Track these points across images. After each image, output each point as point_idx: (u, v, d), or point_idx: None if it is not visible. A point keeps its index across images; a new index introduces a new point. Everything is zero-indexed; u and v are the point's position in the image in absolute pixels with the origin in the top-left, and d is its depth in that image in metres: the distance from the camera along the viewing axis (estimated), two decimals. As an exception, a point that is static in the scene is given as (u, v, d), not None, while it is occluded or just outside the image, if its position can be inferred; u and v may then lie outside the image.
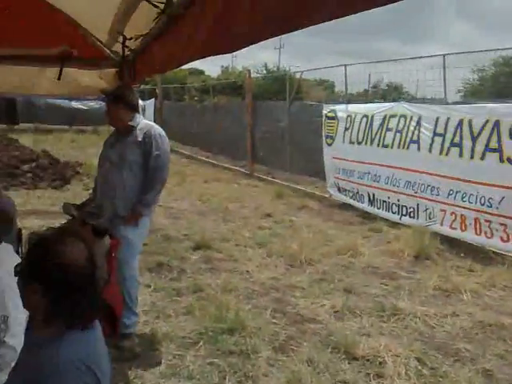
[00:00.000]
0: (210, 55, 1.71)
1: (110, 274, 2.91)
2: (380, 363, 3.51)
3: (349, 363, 3.54)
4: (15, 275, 1.59)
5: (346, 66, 9.42)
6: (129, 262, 3.48)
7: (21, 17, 3.40)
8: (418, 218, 7.06)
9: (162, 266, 5.36)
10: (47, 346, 1.49)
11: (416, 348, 3.72)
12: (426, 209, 6.89)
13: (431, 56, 7.97)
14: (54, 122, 20.83)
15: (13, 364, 1.82)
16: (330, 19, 1.10)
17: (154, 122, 4.24)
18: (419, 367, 3.49)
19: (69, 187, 9.77)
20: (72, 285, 1.51)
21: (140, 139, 3.49)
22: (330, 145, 9.29)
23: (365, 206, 8.24)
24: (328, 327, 4.08)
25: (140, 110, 3.73)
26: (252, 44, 1.48)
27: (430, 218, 6.83)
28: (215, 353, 3.57)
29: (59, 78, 3.93)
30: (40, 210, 7.70)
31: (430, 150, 6.85)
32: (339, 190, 9.00)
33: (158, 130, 3.61)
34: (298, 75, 13.11)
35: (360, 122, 8.41)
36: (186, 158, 15.23)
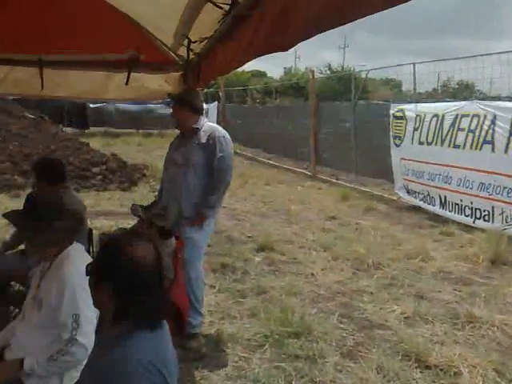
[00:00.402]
0: (269, 53, 1.72)
1: (175, 275, 2.97)
2: (455, 373, 3.36)
3: (421, 372, 3.42)
4: (86, 274, 1.66)
5: (414, 64, 9.15)
6: (194, 262, 3.55)
7: (90, 23, 3.56)
8: (493, 221, 6.72)
9: (226, 267, 5.42)
10: (116, 346, 1.54)
11: (494, 359, 3.53)
12: (503, 212, 6.54)
13: (507, 52, 7.54)
14: (122, 125, 21.72)
15: (84, 362, 1.90)
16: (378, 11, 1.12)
17: (217, 124, 4.29)
18: (498, 379, 3.31)
19: (136, 189, 10.13)
20: (142, 283, 1.57)
21: (204, 141, 3.55)
22: (398, 145, 9.04)
23: (436, 208, 7.95)
24: (398, 334, 3.96)
25: (204, 112, 3.79)
26: (307, 39, 1.49)
27: (506, 222, 6.48)
28: (281, 356, 3.56)
29: (127, 83, 4.09)
30: (109, 211, 8.03)
31: (505, 151, 6.51)
32: (408, 191, 8.74)
33: (221, 132, 3.65)
34: (363, 74, 12.89)
35: (430, 122, 8.13)
36: (248, 159, 15.37)
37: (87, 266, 1.67)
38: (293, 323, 3.95)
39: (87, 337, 2.16)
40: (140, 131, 22.29)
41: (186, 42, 2.86)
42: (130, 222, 7.22)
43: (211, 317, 4.15)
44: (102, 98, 4.88)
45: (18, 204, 8.10)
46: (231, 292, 4.73)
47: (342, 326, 4.11)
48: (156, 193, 9.17)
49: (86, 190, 9.53)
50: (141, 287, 1.57)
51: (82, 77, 4.27)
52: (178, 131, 3.85)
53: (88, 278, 1.67)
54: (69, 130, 17.03)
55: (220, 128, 3.73)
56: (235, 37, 2.17)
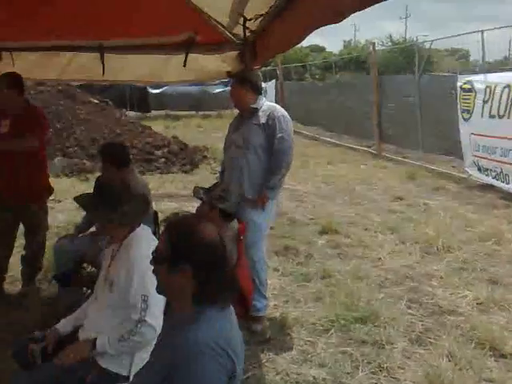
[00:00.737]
0: (328, 23, 1.64)
1: (238, 258, 2.98)
2: (534, 363, 3.20)
3: (495, 361, 3.28)
4: (155, 262, 1.68)
5: (482, 31, 8.61)
6: (257, 244, 3.55)
7: (147, 7, 3.58)
8: None
9: (289, 249, 5.40)
10: (183, 329, 1.57)
11: None
12: None
13: None
14: (182, 108, 22.08)
15: (153, 343, 1.94)
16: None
17: (276, 103, 4.23)
18: None
19: (197, 171, 10.30)
20: (215, 262, 1.63)
21: (263, 121, 3.51)
22: (466, 120, 8.60)
23: (510, 187, 7.52)
24: (470, 320, 3.80)
25: (263, 92, 3.74)
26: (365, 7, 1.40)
27: None
28: (347, 341, 3.52)
29: (185, 65, 4.11)
30: (172, 193, 8.22)
31: None
32: (479, 169, 8.32)
33: (280, 111, 3.59)
34: (427, 45, 12.32)
35: (501, 93, 7.63)
36: (308, 139, 15.19)
37: (153, 252, 1.69)
38: (359, 308, 3.88)
39: (156, 318, 2.22)
40: (199, 113, 22.58)
41: (241, 20, 2.82)
42: (193, 205, 7.35)
43: (275, 300, 4.16)
44: (161, 80, 4.97)
45: (87, 187, 8.49)
46: (295, 275, 4.71)
47: (410, 311, 4.00)
48: (217, 174, 9.30)
49: (150, 173, 9.79)
50: (215, 266, 1.63)
51: (141, 61, 4.37)
52: (236, 111, 3.83)
53: (154, 264, 1.69)
54: (131, 113, 17.56)
55: (279, 107, 3.67)
56: (291, 12, 2.10)
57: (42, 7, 3.62)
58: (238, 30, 3.25)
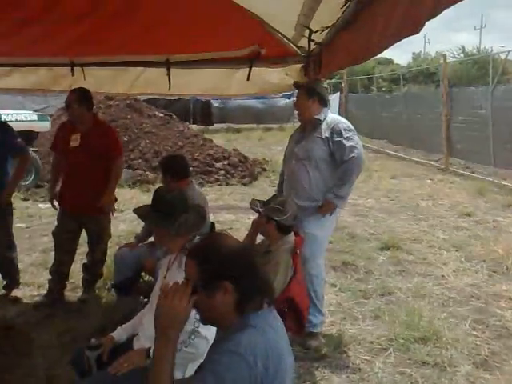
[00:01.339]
0: (405, 37, 1.62)
1: (295, 272, 2.99)
2: None
3: None
4: (192, 293, 1.65)
5: None
6: (315, 259, 3.55)
7: (213, 22, 3.71)
8: None
9: (348, 265, 5.35)
10: (229, 338, 1.59)
11: None
12: None
13: None
14: (243, 121, 22.42)
15: (205, 355, 1.99)
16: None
17: (339, 115, 4.22)
18: None
19: (256, 184, 10.42)
20: (250, 269, 1.67)
21: (327, 135, 3.51)
22: (544, 133, 8.21)
23: None
24: (542, 346, 3.62)
25: (328, 104, 3.75)
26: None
27: None
28: (406, 362, 3.43)
29: (248, 78, 4.20)
30: (231, 205, 8.35)
31: None
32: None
33: (344, 124, 3.57)
34: (502, 56, 11.87)
35: None
36: (373, 152, 14.97)
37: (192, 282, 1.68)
38: (420, 327, 3.78)
39: (208, 329, 2.24)
40: (260, 126, 22.83)
41: (306, 32, 2.86)
42: (249, 217, 7.45)
43: (332, 316, 4.13)
44: (224, 94, 5.08)
45: (148, 198, 8.64)
46: (353, 292, 4.66)
47: (475, 332, 3.86)
48: (276, 187, 9.36)
49: (210, 185, 10.00)
50: (249, 272, 1.66)
51: (205, 74, 4.49)
52: (298, 125, 3.86)
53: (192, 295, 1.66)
54: (194, 126, 17.98)
55: (343, 119, 3.67)
56: (365, 23, 2.09)
57: (112, 24, 3.84)
58: (303, 42, 3.30)
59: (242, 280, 1.63)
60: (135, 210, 2.87)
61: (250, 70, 4.15)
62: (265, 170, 11.46)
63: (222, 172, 10.70)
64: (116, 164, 4.33)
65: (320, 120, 3.56)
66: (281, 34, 3.53)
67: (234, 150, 12.10)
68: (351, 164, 3.47)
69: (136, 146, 11.05)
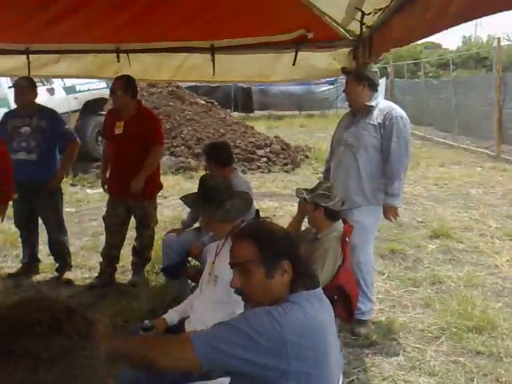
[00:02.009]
0: (467, 21, 1.56)
1: (343, 259, 2.98)
2: None
3: None
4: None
5: None
6: (364, 247, 3.54)
7: (259, 6, 3.70)
8: None
9: (396, 253, 5.30)
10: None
11: None
12: None
13: None
14: (285, 108, 22.32)
15: None
16: None
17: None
18: None
19: (298, 171, 10.38)
20: (299, 249, 1.75)
21: (380, 121, 3.44)
22: None
23: None
24: None
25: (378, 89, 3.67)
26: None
27: None
28: (459, 351, 3.39)
29: (294, 63, 4.18)
30: (273, 192, 8.38)
31: None
32: None
33: (399, 112, 3.49)
34: None
35: None
36: (420, 139, 14.65)
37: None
38: (473, 317, 3.73)
39: None
40: (302, 113, 22.68)
41: (358, 15, 2.83)
42: (293, 204, 7.45)
43: (381, 304, 4.11)
44: (270, 80, 5.07)
45: (191, 185, 8.93)
46: (402, 280, 4.61)
47: (532, 323, 3.76)
48: (319, 175, 9.30)
49: (252, 172, 10.04)
50: (299, 251, 1.74)
51: (250, 60, 4.49)
52: (340, 111, 3.82)
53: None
54: (235, 114, 18.08)
55: (397, 107, 3.57)
56: (419, 5, 2.05)
57: (158, 10, 3.90)
58: (352, 25, 3.26)
59: (297, 259, 1.68)
60: (182, 198, 2.93)
61: (295, 55, 4.12)
62: (307, 157, 11.40)
63: (264, 159, 10.72)
64: (153, 152, 4.40)
65: (372, 106, 3.50)
66: (329, 17, 3.49)
67: (275, 137, 12.08)
68: (400, 159, 3.42)
69: (178, 133, 11.20)
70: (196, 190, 2.87)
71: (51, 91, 8.78)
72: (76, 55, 4.78)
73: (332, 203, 3.04)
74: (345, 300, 2.91)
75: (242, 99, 21.91)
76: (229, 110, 15.58)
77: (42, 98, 8.14)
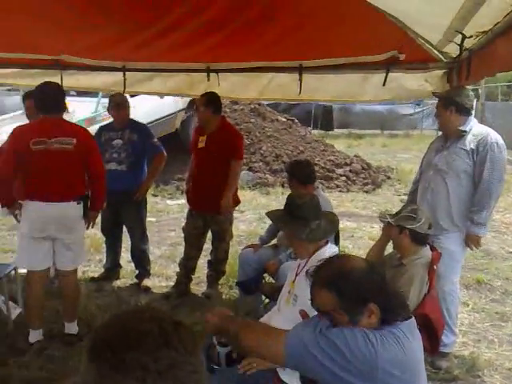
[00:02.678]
0: None
1: (429, 288, 2.90)
2: None
3: None
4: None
5: None
6: (450, 276, 3.42)
7: (350, 27, 3.72)
8: None
9: (482, 284, 5.07)
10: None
11: None
12: None
13: None
14: (366, 126, 22.03)
15: None
16: None
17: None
18: None
19: (379, 192, 10.19)
20: (386, 285, 1.68)
21: (473, 147, 3.34)
22: None
23: None
24: None
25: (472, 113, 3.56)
26: None
27: None
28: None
29: (384, 84, 4.14)
30: (352, 212, 8.27)
31: None
32: None
33: (494, 137, 3.37)
34: None
35: None
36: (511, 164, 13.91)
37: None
38: None
39: None
40: (385, 132, 22.28)
41: (458, 38, 2.77)
42: (372, 225, 7.33)
43: (464, 337, 3.95)
44: (357, 100, 5.06)
45: (267, 201, 9.03)
46: (488, 313, 4.40)
47: None
48: (401, 197, 9.09)
49: (329, 191, 9.98)
50: (386, 288, 1.67)
51: (338, 80, 4.50)
52: (425, 132, 3.74)
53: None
54: (314, 131, 18.08)
55: (493, 132, 3.44)
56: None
57: (248, 31, 4.02)
58: (448, 47, 3.19)
59: (384, 297, 1.62)
60: (268, 213, 2.97)
61: (386, 76, 4.09)
62: (389, 178, 11.17)
63: (343, 178, 10.63)
64: (233, 167, 4.50)
65: (465, 131, 3.40)
66: (423, 38, 3.44)
67: (355, 156, 11.95)
68: (490, 187, 3.30)
69: (258, 149, 11.37)
70: (278, 207, 2.89)
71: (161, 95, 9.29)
72: (168, 73, 5.03)
73: (417, 225, 2.96)
74: (429, 330, 2.82)
75: (322, 117, 21.88)
76: (309, 128, 15.61)
77: (153, 101, 8.78)
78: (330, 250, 2.60)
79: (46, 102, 3.60)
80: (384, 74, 4.05)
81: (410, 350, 1.56)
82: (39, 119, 3.69)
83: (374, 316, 1.61)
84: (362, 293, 1.60)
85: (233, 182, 4.53)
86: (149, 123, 9.76)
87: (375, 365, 1.49)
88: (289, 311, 2.54)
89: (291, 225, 2.65)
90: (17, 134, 3.63)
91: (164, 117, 10.06)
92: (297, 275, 2.63)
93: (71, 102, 10.20)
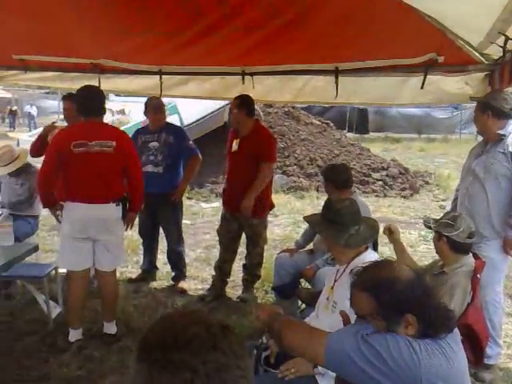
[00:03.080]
0: None
1: (473, 297, 2.83)
2: None
3: None
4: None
5: None
6: (493, 285, 3.34)
7: (388, 29, 3.68)
8: None
9: (527, 294, 4.91)
10: None
11: None
12: None
13: None
14: (403, 130, 21.75)
15: None
16: None
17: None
18: None
19: (417, 197, 10.04)
20: (429, 298, 1.64)
21: (511, 150, 3.29)
22: None
23: None
24: None
25: None
26: None
27: None
28: None
29: (422, 87, 4.08)
30: (389, 218, 8.15)
31: None
32: None
33: None
34: None
35: None
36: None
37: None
38: None
39: None
40: (422, 136, 21.95)
41: (500, 40, 2.71)
42: (410, 232, 7.21)
43: (509, 349, 3.83)
44: (394, 103, 5.00)
45: (301, 204, 9.01)
46: (534, 324, 4.26)
47: None
48: (440, 203, 8.92)
49: (366, 195, 9.89)
50: (428, 300, 1.62)
51: (374, 83, 4.45)
52: (464, 137, 3.67)
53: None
54: (349, 135, 17.99)
55: None
56: None
57: (284, 35, 4.02)
58: (490, 49, 3.13)
59: (424, 310, 1.59)
60: (306, 218, 2.95)
61: (424, 78, 4.03)
62: (427, 183, 11.00)
63: (380, 183, 10.53)
64: (263, 169, 4.49)
65: (504, 135, 3.34)
66: (463, 40, 3.38)
67: (392, 160, 11.82)
68: None
69: (291, 152, 11.37)
70: (313, 212, 2.87)
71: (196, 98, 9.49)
72: (204, 77, 5.08)
73: (455, 233, 2.91)
74: (473, 341, 2.75)
75: (358, 120, 21.73)
76: (345, 131, 15.51)
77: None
78: (369, 255, 2.55)
79: (87, 106, 3.69)
80: (422, 77, 3.99)
81: (454, 360, 1.54)
82: (81, 122, 3.79)
83: (411, 327, 1.59)
84: (401, 304, 1.58)
85: (259, 184, 4.50)
86: (201, 118, 10.19)
87: (418, 375, 1.47)
88: (327, 318, 2.51)
89: (330, 230, 2.61)
90: (59, 136, 3.74)
91: (214, 111, 10.28)
92: (335, 281, 2.60)
93: (127, 104, 10.58)
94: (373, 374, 1.50)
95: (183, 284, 5.05)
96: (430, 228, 3.11)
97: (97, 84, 4.63)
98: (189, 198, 9.10)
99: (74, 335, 3.73)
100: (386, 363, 1.48)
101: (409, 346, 1.50)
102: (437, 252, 3.06)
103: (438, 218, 3.14)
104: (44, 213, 4.95)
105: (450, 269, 2.91)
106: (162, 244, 5.29)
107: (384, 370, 1.48)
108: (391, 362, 1.48)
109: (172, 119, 10.29)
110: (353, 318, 1.84)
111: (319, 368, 2.31)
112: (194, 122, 10.21)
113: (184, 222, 5.36)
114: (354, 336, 1.57)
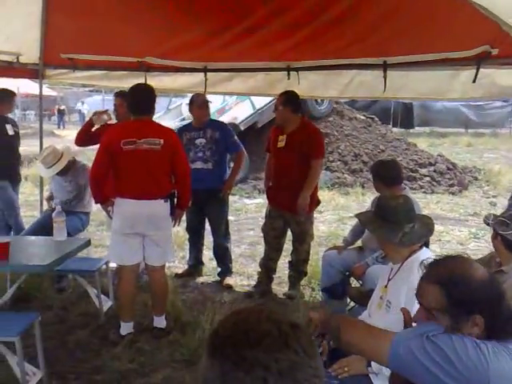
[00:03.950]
0: None
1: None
2: None
3: None
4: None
5: None
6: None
7: (439, 22, 3.62)
8: None
9: None
10: None
11: None
12: None
13: None
14: (449, 125, 21.23)
15: None
16: None
17: None
18: None
19: (466, 194, 9.82)
20: (501, 301, 1.57)
21: None
22: None
23: None
24: None
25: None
26: None
27: None
28: None
29: (474, 81, 3.98)
30: (438, 215, 8.01)
31: None
32: None
33: None
34: None
35: None
36: None
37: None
38: None
39: None
40: (469, 131, 21.36)
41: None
42: (460, 229, 7.06)
43: None
44: (445, 97, 4.89)
45: (346, 201, 8.93)
46: None
47: None
48: (490, 199, 8.70)
49: (413, 192, 9.70)
50: (500, 304, 1.56)
51: (424, 77, 4.38)
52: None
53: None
54: (394, 129, 17.68)
55: None
56: None
57: (330, 30, 4.01)
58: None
59: (494, 313, 1.54)
60: (358, 215, 2.91)
61: (476, 72, 3.92)
62: (476, 179, 10.73)
63: (427, 179, 10.32)
64: (314, 165, 4.48)
65: None
66: (518, 32, 3.29)
67: (439, 155, 11.56)
68: None
69: (335, 148, 11.27)
70: (359, 208, 2.83)
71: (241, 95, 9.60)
72: (248, 73, 5.11)
73: (510, 232, 2.82)
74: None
75: (402, 114, 21.32)
76: (390, 126, 15.26)
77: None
78: (424, 254, 2.46)
79: (138, 105, 3.78)
80: (472, 71, 3.88)
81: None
82: (131, 120, 3.88)
83: (476, 328, 1.55)
84: (472, 304, 1.54)
85: (312, 181, 4.50)
86: (260, 109, 10.54)
87: (486, 378, 1.43)
88: (381, 317, 2.46)
89: (383, 228, 2.55)
90: (109, 134, 3.84)
91: (271, 101, 10.41)
92: (389, 280, 2.55)
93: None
94: (439, 375, 1.46)
95: (229, 280, 5.08)
96: (488, 224, 3.02)
97: (143, 82, 4.72)
98: (232, 195, 9.15)
99: (126, 329, 3.81)
100: (453, 365, 1.45)
101: (476, 348, 1.46)
102: (495, 249, 2.98)
103: (498, 214, 3.05)
104: (93, 208, 5.08)
105: (508, 268, 2.83)
106: (207, 240, 5.35)
107: (451, 371, 1.45)
108: (459, 363, 1.45)
109: (244, 105, 10.64)
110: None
111: (373, 367, 2.29)
112: (266, 105, 10.29)
113: (229, 218, 5.41)
114: (419, 337, 1.55)
